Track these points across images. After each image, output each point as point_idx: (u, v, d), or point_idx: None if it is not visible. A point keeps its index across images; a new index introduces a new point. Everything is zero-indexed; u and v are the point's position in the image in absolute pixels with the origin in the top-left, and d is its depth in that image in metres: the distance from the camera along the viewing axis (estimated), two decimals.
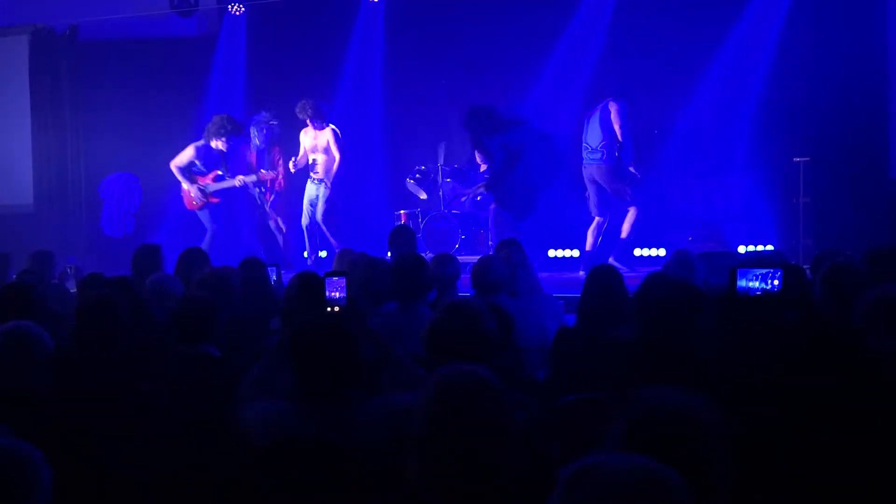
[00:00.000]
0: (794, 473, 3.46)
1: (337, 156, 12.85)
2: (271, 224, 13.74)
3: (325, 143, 12.90)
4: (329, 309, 4.97)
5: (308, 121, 12.91)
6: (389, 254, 8.94)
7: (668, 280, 5.40)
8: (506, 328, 5.25)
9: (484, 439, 3.02)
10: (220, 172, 13.16)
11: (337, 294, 5.03)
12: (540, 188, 12.25)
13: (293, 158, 13.06)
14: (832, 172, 12.25)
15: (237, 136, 13.20)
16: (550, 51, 13.52)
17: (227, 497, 3.98)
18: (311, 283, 5.64)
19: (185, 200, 13.26)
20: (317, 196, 13.04)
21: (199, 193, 13.12)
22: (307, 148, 13.05)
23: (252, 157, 13.53)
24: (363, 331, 4.98)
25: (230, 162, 13.47)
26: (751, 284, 4.33)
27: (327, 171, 12.95)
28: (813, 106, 12.42)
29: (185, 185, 13.13)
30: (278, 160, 13.52)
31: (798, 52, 12.48)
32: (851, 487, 3.46)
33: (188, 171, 13.13)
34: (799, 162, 12.17)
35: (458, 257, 7.92)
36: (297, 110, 12.85)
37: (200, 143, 13.11)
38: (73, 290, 8.83)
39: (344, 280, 5.04)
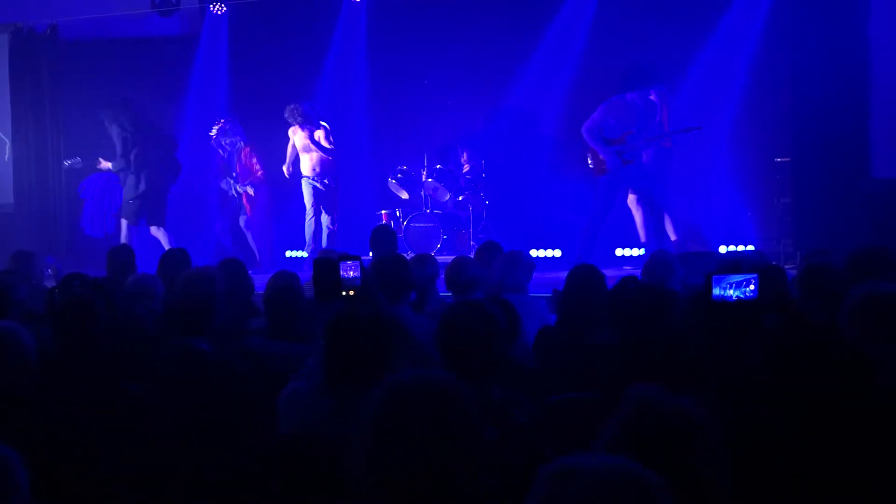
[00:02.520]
0: (778, 475, 3.46)
1: (320, 154, 13.02)
2: (241, 221, 13.75)
3: (317, 145, 12.95)
4: (345, 292, 5.01)
5: (297, 126, 12.97)
6: (371, 254, 8.95)
7: (638, 284, 5.43)
8: (513, 322, 5.31)
9: (442, 453, 2.79)
10: (632, 131, 11.41)
11: (351, 274, 5.09)
12: (163, 194, 13.05)
13: (285, 165, 13.24)
14: (813, 173, 12.28)
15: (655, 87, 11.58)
16: (533, 50, 13.53)
17: (219, 495, 3.97)
18: (327, 266, 5.64)
19: (595, 167, 11.71)
20: (318, 199, 13.19)
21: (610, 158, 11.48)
22: (299, 148, 13.12)
23: (223, 160, 13.61)
24: (384, 315, 5.02)
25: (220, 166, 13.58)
26: (727, 292, 4.32)
27: (325, 170, 13.05)
28: (794, 107, 12.45)
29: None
30: (252, 160, 13.59)
31: (779, 53, 12.52)
32: (836, 489, 3.46)
33: (599, 133, 11.49)
34: (780, 162, 12.21)
35: (439, 257, 7.95)
36: (287, 115, 12.87)
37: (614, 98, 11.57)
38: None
39: (357, 263, 5.11)
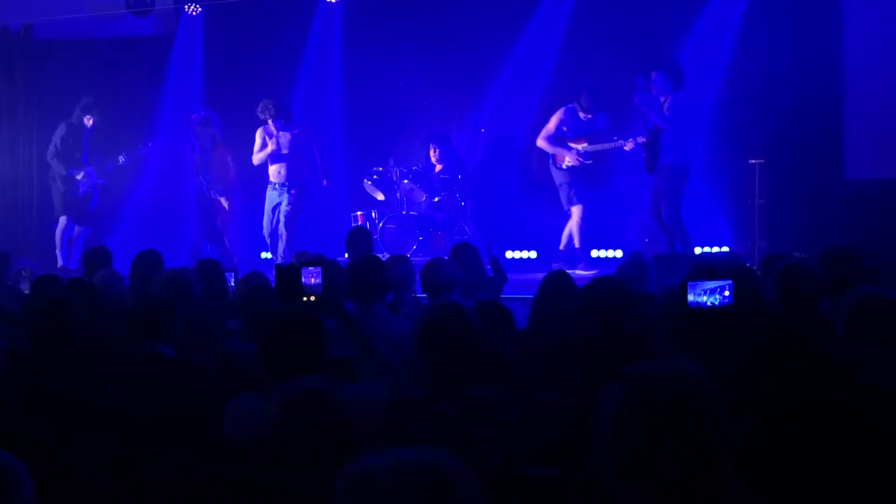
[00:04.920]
0: (757, 477, 3.47)
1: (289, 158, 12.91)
2: (219, 222, 13.66)
3: (288, 145, 12.88)
4: (305, 298, 5.00)
5: (270, 121, 12.86)
6: (346, 255, 8.95)
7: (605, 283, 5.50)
8: (509, 326, 5.34)
9: (328, 456, 2.99)
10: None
11: (313, 280, 5.07)
12: None
13: (257, 156, 13.03)
14: (787, 174, 12.35)
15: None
16: (509, 51, 13.55)
17: (185, 496, 3.97)
18: (289, 272, 5.65)
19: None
20: (279, 203, 13.03)
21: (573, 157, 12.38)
22: (270, 151, 12.93)
23: (197, 157, 13.49)
24: (343, 320, 5.02)
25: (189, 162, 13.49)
26: (701, 299, 4.33)
27: (292, 175, 12.94)
28: (768, 108, 12.53)
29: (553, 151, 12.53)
30: (227, 158, 13.48)
31: (754, 55, 12.58)
32: (817, 488, 3.48)
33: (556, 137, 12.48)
34: (754, 164, 12.26)
35: (415, 259, 7.96)
36: (259, 110, 12.78)
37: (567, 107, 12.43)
38: (27, 291, 8.77)
39: (319, 269, 5.08)
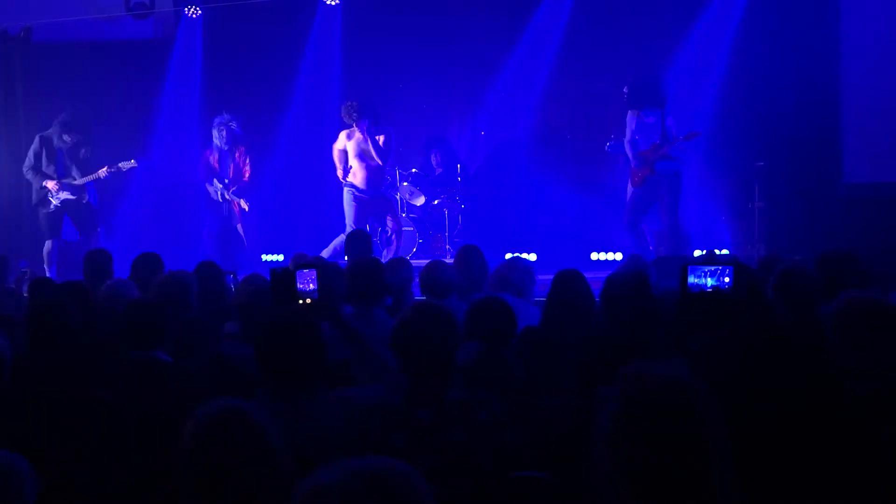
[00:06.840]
0: (751, 476, 3.48)
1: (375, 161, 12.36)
2: (239, 228, 13.50)
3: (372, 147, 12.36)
4: (301, 301, 4.98)
5: (355, 125, 12.40)
6: (346, 258, 8.95)
7: (626, 278, 5.47)
8: (509, 318, 5.35)
9: (245, 478, 2.99)
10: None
11: (309, 287, 5.06)
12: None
13: (341, 167, 12.55)
14: (787, 177, 12.36)
15: None
16: (508, 53, 13.56)
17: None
18: (283, 275, 5.65)
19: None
20: None
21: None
22: (353, 153, 12.40)
23: (214, 160, 13.38)
24: (339, 324, 5.01)
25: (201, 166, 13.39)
26: (702, 281, 4.32)
27: (373, 177, 12.44)
28: (767, 112, 12.52)
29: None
30: (245, 161, 13.35)
31: (752, 58, 12.58)
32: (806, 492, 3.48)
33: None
34: (753, 167, 12.27)
35: (415, 261, 7.97)
36: (343, 114, 12.40)
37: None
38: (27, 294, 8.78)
39: (315, 272, 5.06)
